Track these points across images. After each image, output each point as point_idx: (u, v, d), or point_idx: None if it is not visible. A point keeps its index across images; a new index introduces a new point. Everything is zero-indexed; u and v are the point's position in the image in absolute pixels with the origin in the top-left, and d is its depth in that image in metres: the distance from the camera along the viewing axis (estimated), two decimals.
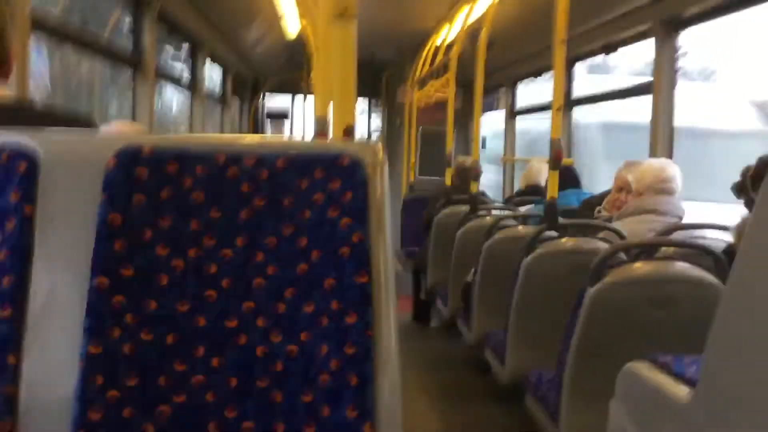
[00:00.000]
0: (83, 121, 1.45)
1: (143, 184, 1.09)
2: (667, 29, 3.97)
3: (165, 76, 5.04)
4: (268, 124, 10.08)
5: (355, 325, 1.11)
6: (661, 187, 3.11)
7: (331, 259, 1.13)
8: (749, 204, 2.25)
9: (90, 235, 1.07)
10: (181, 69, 5.53)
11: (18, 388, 1.05)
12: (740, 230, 2.35)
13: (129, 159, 1.10)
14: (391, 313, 1.15)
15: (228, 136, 1.22)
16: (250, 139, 1.19)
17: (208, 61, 6.10)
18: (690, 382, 1.61)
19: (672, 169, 3.16)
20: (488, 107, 8.33)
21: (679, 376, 1.69)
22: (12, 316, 1.05)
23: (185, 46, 5.56)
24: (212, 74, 7.22)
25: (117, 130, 2.24)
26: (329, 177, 1.15)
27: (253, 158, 1.14)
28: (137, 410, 1.05)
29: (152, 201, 1.09)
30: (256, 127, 9.81)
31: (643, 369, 1.81)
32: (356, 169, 1.15)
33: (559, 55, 3.01)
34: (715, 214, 3.14)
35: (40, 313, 1.06)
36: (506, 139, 7.26)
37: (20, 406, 1.05)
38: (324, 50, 2.15)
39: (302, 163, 1.15)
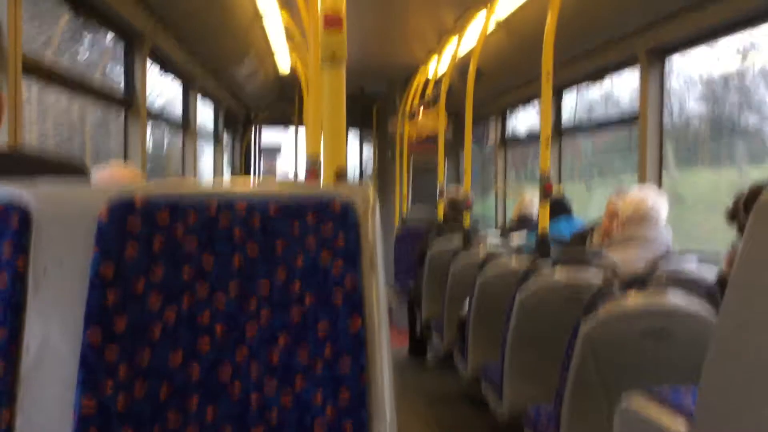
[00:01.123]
0: (76, 168, 1.45)
1: (135, 234, 1.10)
2: (652, 57, 4.03)
3: (157, 115, 5.07)
4: (260, 159, 10.11)
5: (349, 370, 1.10)
6: (641, 216, 3.14)
7: (324, 304, 1.13)
8: (741, 230, 2.26)
9: (83, 287, 1.07)
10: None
11: None
12: (731, 258, 2.37)
13: (121, 209, 1.10)
14: (384, 356, 1.14)
15: (220, 182, 1.23)
16: (242, 184, 1.20)
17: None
18: (687, 414, 1.61)
19: (653, 197, 3.18)
20: (479, 137, 8.40)
21: (677, 408, 1.69)
22: (5, 370, 1.04)
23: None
24: (203, 109, 7.26)
25: (111, 172, 2.25)
26: (321, 221, 1.15)
27: (245, 204, 1.14)
28: None
29: (144, 251, 1.09)
30: (248, 162, 9.83)
31: (640, 402, 1.81)
32: (348, 212, 1.16)
33: (546, 88, 3.05)
34: None
35: (33, 366, 1.05)
36: (497, 169, 7.30)
37: None
38: (314, 90, 2.17)
39: (294, 208, 1.15)
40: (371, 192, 1.22)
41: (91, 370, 1.04)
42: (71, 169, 1.45)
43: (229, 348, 1.10)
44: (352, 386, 1.10)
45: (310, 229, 1.15)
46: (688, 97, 4.88)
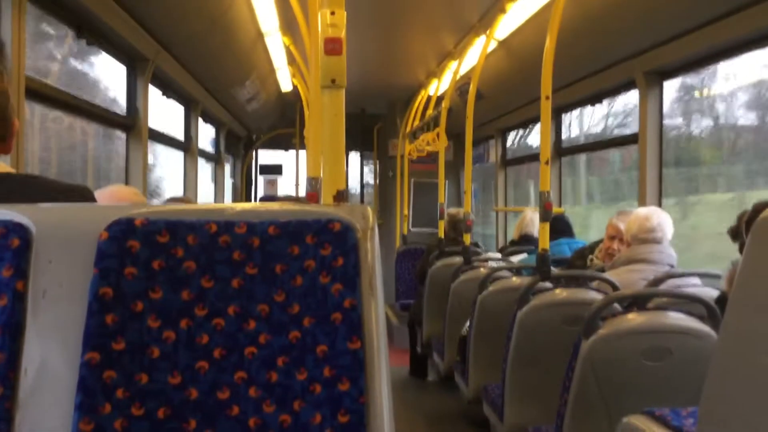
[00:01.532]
0: (79, 193, 1.46)
1: (135, 256, 1.10)
2: (650, 80, 4.06)
3: (158, 137, 5.09)
4: (260, 181, 10.14)
5: (348, 392, 1.11)
6: (646, 237, 3.15)
7: (323, 326, 1.13)
8: (743, 248, 2.27)
9: (82, 309, 1.07)
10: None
11: None
12: (731, 277, 2.37)
13: (121, 231, 1.11)
14: (384, 378, 1.14)
15: (219, 205, 1.24)
16: (242, 206, 1.21)
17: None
18: None
19: (657, 217, 3.20)
20: (479, 158, 8.43)
21: (677, 430, 1.68)
22: (3, 394, 1.04)
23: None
24: (205, 131, 7.27)
25: (111, 192, 2.26)
26: (320, 243, 1.16)
27: (245, 226, 1.15)
28: None
29: (144, 273, 1.10)
30: (249, 184, 9.86)
31: (641, 423, 1.80)
32: (347, 234, 1.17)
33: (545, 110, 3.07)
34: None
35: (31, 390, 1.06)
36: (497, 189, 7.32)
37: None
38: (315, 113, 2.19)
39: (293, 230, 1.16)
40: (370, 213, 1.22)
41: (90, 393, 1.04)
42: (75, 193, 1.46)
43: (228, 370, 1.10)
44: (351, 408, 1.10)
45: (310, 251, 1.15)
46: None
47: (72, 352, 1.06)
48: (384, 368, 1.15)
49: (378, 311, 1.17)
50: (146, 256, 1.11)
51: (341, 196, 1.44)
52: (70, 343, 1.07)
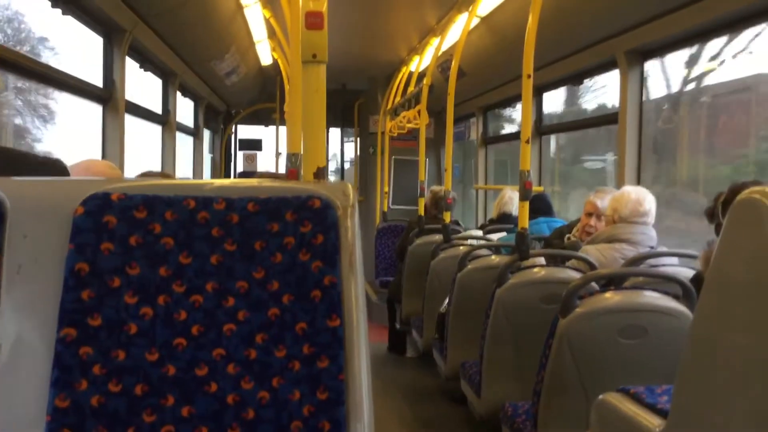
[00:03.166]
0: (54, 167, 1.44)
1: (111, 231, 1.09)
2: (631, 60, 4.07)
3: (136, 110, 5.01)
4: (240, 156, 10.06)
5: (327, 369, 1.10)
6: (636, 220, 3.17)
7: (302, 303, 1.13)
8: (719, 230, 2.29)
9: (58, 285, 1.06)
10: None
11: None
12: (707, 257, 2.39)
13: (97, 206, 1.09)
14: (363, 355, 1.15)
15: (197, 181, 1.22)
16: (220, 182, 1.19)
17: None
18: (662, 413, 1.63)
19: (649, 201, 3.22)
20: (460, 136, 8.42)
21: (652, 407, 1.71)
22: None
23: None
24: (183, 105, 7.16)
25: (87, 166, 2.21)
26: (300, 220, 1.15)
27: (224, 202, 1.14)
28: None
29: (121, 248, 1.09)
30: (228, 159, 9.78)
31: (616, 400, 1.83)
32: (327, 211, 1.16)
33: (527, 88, 3.06)
34: None
35: (6, 366, 1.04)
36: (478, 167, 7.32)
37: None
38: (295, 88, 2.17)
39: (273, 207, 1.15)
40: (351, 190, 1.22)
41: (66, 369, 1.03)
42: (50, 167, 1.44)
43: (206, 347, 1.09)
44: (330, 385, 1.10)
45: (289, 228, 1.14)
46: None
47: (48, 328, 1.05)
48: (363, 346, 1.15)
49: (358, 289, 1.16)
50: (123, 232, 1.09)
51: (321, 173, 1.43)
52: (46, 319, 1.05)
